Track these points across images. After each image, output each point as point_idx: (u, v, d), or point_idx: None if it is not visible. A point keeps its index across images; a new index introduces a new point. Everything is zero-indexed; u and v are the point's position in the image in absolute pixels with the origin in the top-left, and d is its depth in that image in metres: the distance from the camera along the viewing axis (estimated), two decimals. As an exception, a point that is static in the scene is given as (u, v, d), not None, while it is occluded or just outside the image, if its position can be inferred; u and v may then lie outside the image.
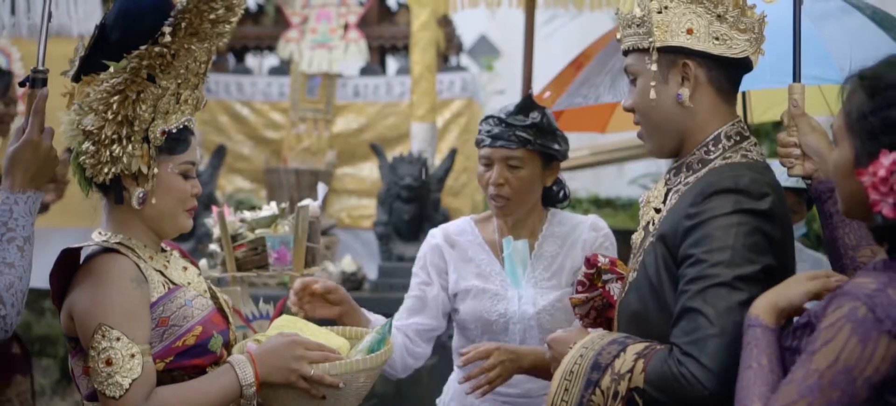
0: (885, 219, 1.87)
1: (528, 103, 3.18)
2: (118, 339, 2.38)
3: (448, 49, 7.40)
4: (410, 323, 3.28)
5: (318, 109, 7.30)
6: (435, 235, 3.33)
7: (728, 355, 2.13)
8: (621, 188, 9.47)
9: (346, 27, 7.28)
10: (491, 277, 3.24)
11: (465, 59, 9.84)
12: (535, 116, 3.16)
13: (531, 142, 3.14)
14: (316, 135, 7.27)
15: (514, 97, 5.79)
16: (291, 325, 2.71)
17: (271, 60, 8.13)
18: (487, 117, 3.21)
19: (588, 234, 3.22)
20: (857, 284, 1.87)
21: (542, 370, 2.90)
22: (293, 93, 7.33)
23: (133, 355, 2.39)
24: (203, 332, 2.51)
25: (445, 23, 7.30)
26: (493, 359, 2.92)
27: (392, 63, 7.95)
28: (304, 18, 7.33)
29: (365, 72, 7.34)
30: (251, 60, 8.15)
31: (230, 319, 2.65)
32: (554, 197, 3.31)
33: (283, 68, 7.46)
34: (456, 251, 3.28)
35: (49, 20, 2.40)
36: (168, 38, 2.40)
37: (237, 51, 7.62)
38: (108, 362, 2.38)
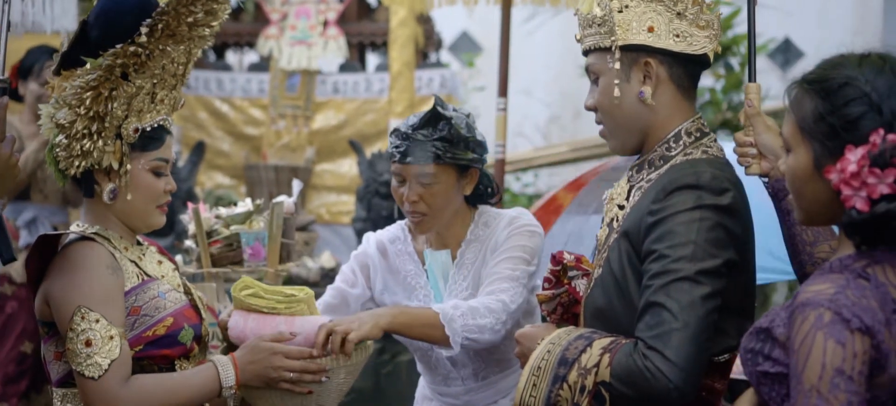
0: (859, 213, 1.91)
1: (434, 114, 3.05)
2: (97, 320, 2.43)
3: (427, 46, 7.41)
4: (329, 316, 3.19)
5: (298, 106, 7.30)
6: (369, 241, 3.26)
7: (691, 348, 2.16)
8: (601, 184, 9.49)
9: (325, 24, 7.28)
10: (416, 291, 3.17)
11: (446, 56, 9.84)
12: (442, 128, 3.03)
13: (441, 156, 3.01)
14: (295, 131, 7.27)
15: (494, 93, 5.81)
16: (250, 286, 2.75)
17: (251, 57, 8.13)
18: (395, 130, 3.09)
19: (502, 232, 3.09)
20: (816, 292, 1.90)
21: (401, 329, 2.84)
22: (272, 89, 7.33)
23: (112, 337, 2.43)
24: (174, 323, 2.55)
25: (424, 20, 7.31)
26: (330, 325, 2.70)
27: (371, 60, 7.96)
28: (283, 15, 7.33)
29: (344, 68, 7.35)
30: (231, 57, 8.14)
31: (203, 314, 2.69)
32: (483, 195, 3.19)
33: (262, 65, 7.46)
34: (387, 261, 3.21)
35: (8, 29, 2.44)
36: (144, 38, 2.42)
37: (217, 47, 7.61)
38: (88, 343, 2.42)
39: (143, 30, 2.43)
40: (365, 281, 3.22)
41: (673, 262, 2.20)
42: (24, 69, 5.18)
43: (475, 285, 3.10)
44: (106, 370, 2.42)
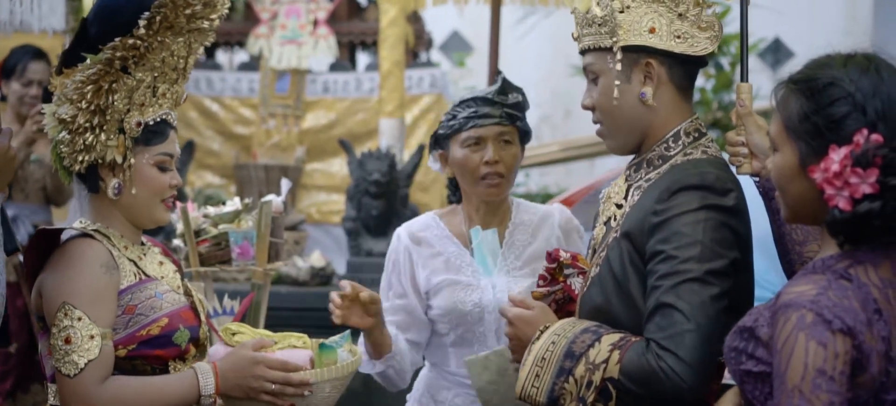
0: (841, 212, 1.93)
1: (507, 83, 3.24)
2: (79, 319, 2.43)
3: (418, 45, 7.41)
4: (407, 336, 3.23)
5: (288, 105, 7.30)
6: (400, 237, 3.29)
7: (704, 349, 2.18)
8: (592, 183, 9.51)
9: (315, 23, 7.28)
10: (462, 269, 3.21)
11: (438, 56, 9.83)
12: (515, 96, 3.22)
13: (518, 118, 3.20)
14: (285, 130, 7.27)
15: (484, 93, 5.81)
16: (241, 331, 2.71)
17: (241, 56, 8.12)
18: (466, 101, 3.21)
19: (558, 228, 3.24)
20: (798, 293, 1.92)
21: None
22: (263, 88, 7.33)
23: (92, 337, 2.43)
24: (169, 324, 2.54)
25: (415, 19, 7.31)
26: None
27: (361, 59, 7.96)
28: (273, 14, 7.33)
29: (334, 68, 7.34)
30: (221, 56, 8.13)
31: (202, 317, 2.67)
32: None
33: (252, 64, 7.45)
34: (423, 248, 3.25)
35: None
36: (142, 31, 2.44)
37: (207, 46, 7.59)
38: (67, 340, 2.42)
39: (141, 22, 2.44)
40: (411, 286, 3.25)
41: (681, 262, 2.20)
42: (8, 69, 5.19)
43: (531, 264, 3.18)
44: (81, 369, 2.42)
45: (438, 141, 3.29)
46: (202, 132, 7.35)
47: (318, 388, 2.60)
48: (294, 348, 2.65)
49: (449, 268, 3.22)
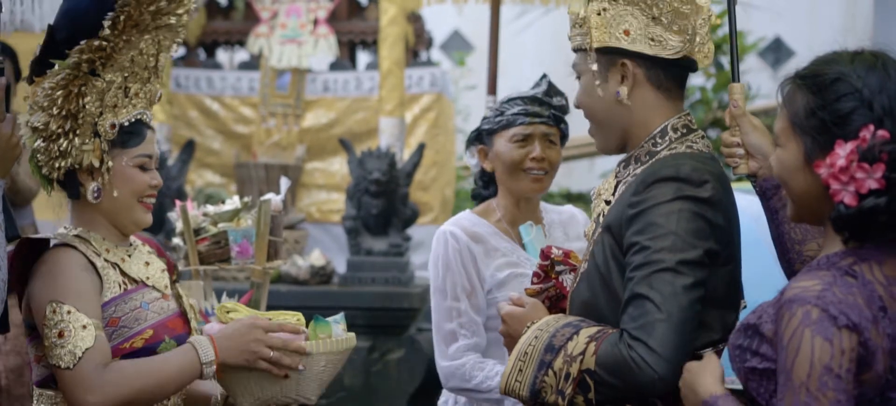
0: (847, 207, 1.93)
1: (552, 86, 3.37)
2: (69, 312, 2.44)
3: (418, 44, 7.40)
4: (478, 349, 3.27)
5: (288, 104, 7.29)
6: (456, 235, 3.30)
7: (676, 339, 2.18)
8: (592, 182, 9.51)
9: (315, 22, 7.27)
10: (520, 263, 3.26)
11: (438, 55, 9.83)
12: (560, 99, 3.35)
13: (562, 120, 3.33)
14: (285, 129, 7.26)
15: (485, 92, 5.80)
16: (236, 309, 2.71)
17: (241, 55, 8.12)
18: (514, 99, 3.32)
19: (585, 226, 3.28)
20: (803, 289, 1.92)
21: None
22: (263, 87, 7.32)
23: (85, 326, 2.43)
24: (154, 335, 2.54)
25: (415, 18, 7.30)
26: None
27: (362, 58, 7.95)
28: (273, 13, 7.32)
29: (334, 67, 7.34)
30: (221, 55, 8.12)
31: (193, 324, 2.67)
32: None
33: (252, 63, 7.44)
34: (480, 245, 3.28)
35: None
36: (107, 31, 2.43)
37: (207, 45, 7.60)
38: (61, 335, 2.43)
39: (106, 23, 2.44)
40: (481, 288, 3.26)
41: (654, 253, 2.22)
42: None
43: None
44: (79, 358, 2.42)
45: (480, 136, 3.35)
46: (202, 131, 7.35)
47: (314, 360, 2.60)
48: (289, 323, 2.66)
49: (507, 263, 3.27)
